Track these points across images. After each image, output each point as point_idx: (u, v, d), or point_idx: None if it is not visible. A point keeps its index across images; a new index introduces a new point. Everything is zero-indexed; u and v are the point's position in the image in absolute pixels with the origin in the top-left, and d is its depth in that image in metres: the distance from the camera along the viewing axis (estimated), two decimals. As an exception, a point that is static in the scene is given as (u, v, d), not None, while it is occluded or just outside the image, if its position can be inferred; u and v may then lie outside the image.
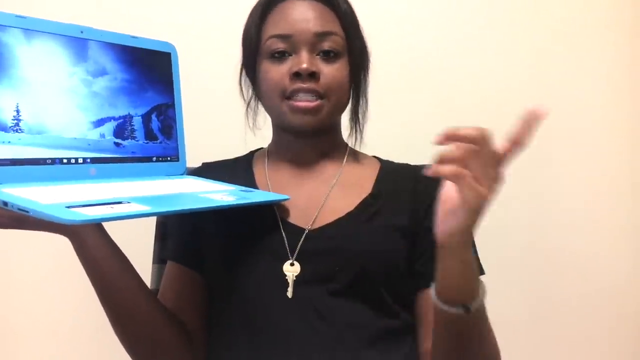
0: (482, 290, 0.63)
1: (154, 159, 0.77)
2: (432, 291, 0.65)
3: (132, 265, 0.70)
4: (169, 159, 0.78)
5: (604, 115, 1.43)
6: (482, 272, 0.78)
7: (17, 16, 0.63)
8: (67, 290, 1.29)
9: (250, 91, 0.86)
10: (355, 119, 0.86)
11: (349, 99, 0.83)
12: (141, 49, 0.75)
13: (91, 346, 1.30)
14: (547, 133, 1.39)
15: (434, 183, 0.80)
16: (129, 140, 0.74)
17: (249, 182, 0.82)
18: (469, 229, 0.58)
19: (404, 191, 0.80)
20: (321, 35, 0.77)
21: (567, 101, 1.42)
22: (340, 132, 0.88)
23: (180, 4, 1.32)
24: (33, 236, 0.66)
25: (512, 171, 1.39)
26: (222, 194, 0.70)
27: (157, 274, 0.96)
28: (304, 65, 0.74)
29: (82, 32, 0.69)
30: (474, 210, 0.56)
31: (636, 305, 1.43)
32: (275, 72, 0.77)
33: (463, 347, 0.64)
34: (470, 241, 0.61)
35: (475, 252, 0.78)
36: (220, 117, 1.25)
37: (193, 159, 0.85)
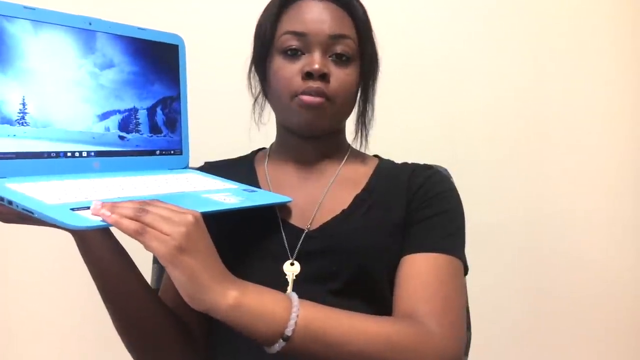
0: (294, 311, 0.60)
1: (158, 152, 0.77)
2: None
3: (134, 263, 0.70)
4: (172, 152, 0.78)
5: (605, 115, 1.44)
6: (466, 272, 0.79)
7: (25, 7, 0.62)
8: (68, 288, 1.30)
9: (259, 86, 0.85)
10: (361, 125, 0.86)
11: (355, 103, 0.83)
12: (149, 41, 0.74)
13: (93, 345, 1.31)
14: (548, 133, 1.42)
15: (429, 174, 0.82)
16: (134, 133, 0.73)
17: (251, 181, 0.82)
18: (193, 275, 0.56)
19: (398, 186, 0.81)
20: (335, 38, 0.76)
21: (568, 102, 1.42)
22: (344, 134, 0.88)
23: (187, 1, 1.31)
24: (34, 235, 0.66)
25: (513, 171, 1.42)
26: (224, 195, 0.70)
27: (157, 274, 0.96)
28: (316, 66, 0.74)
29: (90, 23, 0.68)
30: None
31: (636, 305, 1.46)
32: (287, 70, 0.77)
33: (328, 358, 0.61)
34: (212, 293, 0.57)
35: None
36: (223, 115, 1.25)
37: (195, 158, 0.85)
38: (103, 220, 0.53)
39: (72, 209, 0.54)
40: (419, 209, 0.78)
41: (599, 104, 1.43)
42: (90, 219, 0.53)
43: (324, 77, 0.75)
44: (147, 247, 0.54)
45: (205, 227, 0.59)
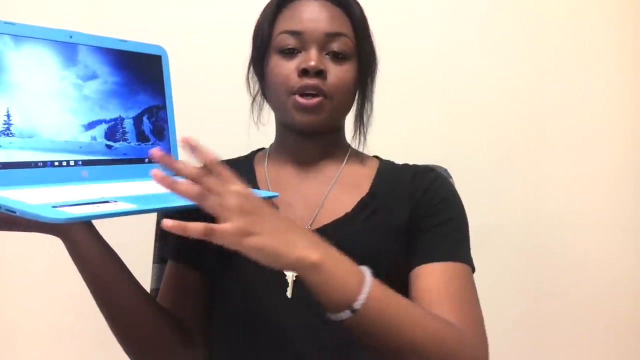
0: (366, 286, 0.60)
1: (146, 160, 0.78)
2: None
3: (125, 265, 0.71)
4: (161, 160, 0.79)
5: (604, 116, 1.44)
6: (473, 270, 0.78)
7: (5, 22, 0.64)
8: (65, 290, 1.31)
9: (257, 86, 0.87)
10: (359, 122, 0.87)
11: (353, 101, 0.84)
12: (131, 52, 0.76)
13: (90, 346, 1.31)
14: (546, 134, 1.41)
15: (432, 178, 0.82)
16: (121, 142, 0.75)
17: (250, 181, 0.83)
18: (268, 248, 0.55)
19: (401, 190, 0.81)
20: (332, 36, 0.77)
21: (567, 102, 1.43)
22: (344, 133, 0.88)
23: (188, 4, 1.35)
24: (31, 237, 0.67)
25: (511, 172, 1.42)
26: (211, 193, 0.70)
27: (158, 274, 0.96)
28: (312, 63, 0.75)
29: (71, 36, 0.70)
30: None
31: (636, 305, 1.43)
32: (284, 68, 0.78)
33: (381, 341, 0.61)
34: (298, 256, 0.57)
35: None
36: (222, 117, 1.27)
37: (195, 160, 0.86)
38: (82, 215, 0.54)
39: (54, 207, 0.55)
40: (425, 216, 0.78)
41: (598, 105, 1.43)
42: (71, 213, 0.53)
43: (320, 73, 0.76)
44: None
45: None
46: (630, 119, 1.43)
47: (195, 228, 0.52)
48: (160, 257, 0.95)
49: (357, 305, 0.58)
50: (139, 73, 0.77)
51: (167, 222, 0.50)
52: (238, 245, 0.54)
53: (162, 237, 0.97)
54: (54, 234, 0.65)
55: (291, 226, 0.59)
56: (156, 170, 0.53)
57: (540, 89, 1.42)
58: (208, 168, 0.56)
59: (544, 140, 1.42)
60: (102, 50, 0.73)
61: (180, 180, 0.53)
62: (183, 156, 0.81)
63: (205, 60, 1.32)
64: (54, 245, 0.71)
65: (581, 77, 1.42)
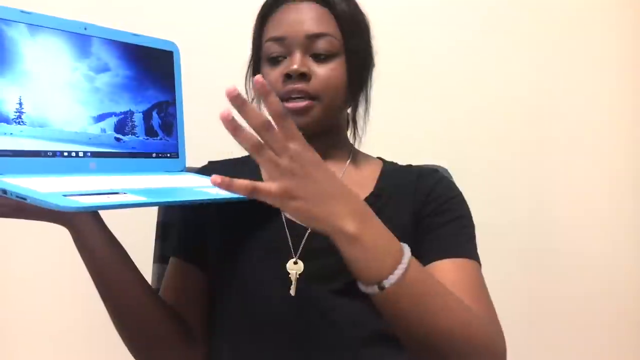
0: (400, 268, 0.58)
1: (154, 155, 0.78)
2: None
3: (130, 259, 0.71)
4: (168, 155, 0.80)
5: (605, 116, 1.45)
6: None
7: (22, 11, 0.64)
8: (70, 288, 1.30)
9: (253, 93, 0.87)
10: (353, 120, 0.86)
11: (346, 99, 0.82)
12: (144, 46, 0.77)
13: (94, 344, 1.31)
14: (548, 133, 1.42)
15: (436, 179, 0.82)
16: (130, 135, 0.75)
17: (257, 181, 0.82)
18: (306, 213, 0.56)
19: (405, 191, 0.81)
20: (313, 37, 0.77)
21: (570, 102, 1.44)
22: (344, 132, 0.88)
23: (192, 3, 1.36)
24: (36, 233, 0.67)
25: (513, 172, 1.42)
26: (218, 189, 0.71)
27: (158, 273, 0.96)
28: (294, 67, 0.76)
29: (85, 28, 0.70)
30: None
31: (636, 305, 1.44)
32: (271, 75, 0.79)
33: (408, 323, 0.61)
34: (341, 223, 0.56)
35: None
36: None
37: (198, 159, 0.85)
38: (92, 204, 0.54)
39: (65, 195, 0.55)
40: (432, 215, 0.79)
41: (599, 106, 1.44)
42: (81, 202, 0.53)
43: (303, 76, 0.76)
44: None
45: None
46: (632, 120, 1.45)
47: (240, 185, 0.53)
48: (160, 256, 0.95)
49: (387, 284, 0.58)
50: (151, 68, 0.77)
51: (216, 178, 0.52)
52: (280, 205, 0.55)
53: (163, 236, 0.97)
54: (61, 224, 0.65)
55: (339, 192, 0.58)
56: (227, 112, 0.52)
57: (542, 89, 1.43)
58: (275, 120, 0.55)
59: (545, 141, 1.43)
60: (115, 43, 0.73)
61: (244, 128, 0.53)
62: (189, 152, 0.82)
63: (215, 58, 1.32)
64: (59, 242, 0.71)
65: (583, 77, 1.43)
